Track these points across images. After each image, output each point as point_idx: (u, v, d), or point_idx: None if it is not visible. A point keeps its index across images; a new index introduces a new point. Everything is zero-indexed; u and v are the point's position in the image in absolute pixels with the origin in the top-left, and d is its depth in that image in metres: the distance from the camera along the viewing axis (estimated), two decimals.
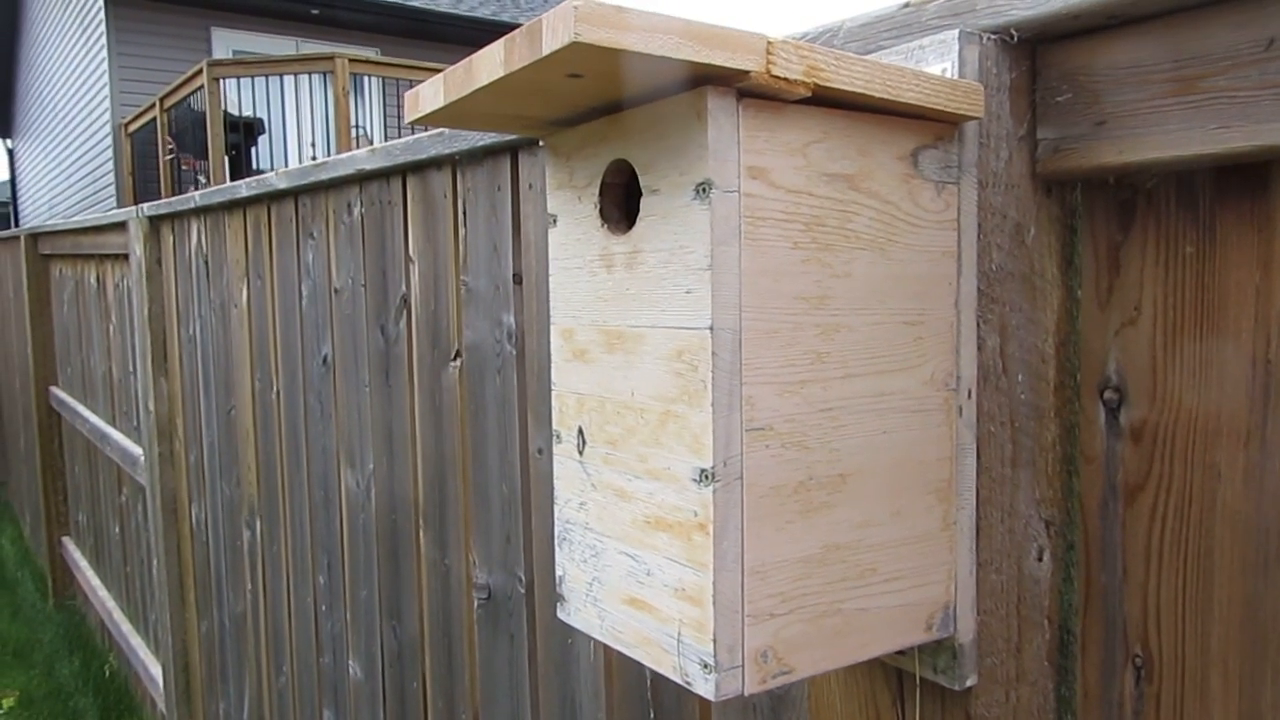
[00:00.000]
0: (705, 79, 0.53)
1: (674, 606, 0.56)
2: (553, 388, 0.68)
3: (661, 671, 0.57)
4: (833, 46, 0.77)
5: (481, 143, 1.23)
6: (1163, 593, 0.69)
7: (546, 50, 0.48)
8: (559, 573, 0.68)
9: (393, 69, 7.30)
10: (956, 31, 0.65)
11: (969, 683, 0.68)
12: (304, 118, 7.47)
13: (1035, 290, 0.71)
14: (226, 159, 6.75)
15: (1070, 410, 0.74)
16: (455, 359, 1.38)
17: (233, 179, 6.91)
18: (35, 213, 13.56)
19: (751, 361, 0.54)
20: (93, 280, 3.76)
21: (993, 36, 0.67)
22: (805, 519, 0.57)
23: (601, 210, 0.62)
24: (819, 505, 0.58)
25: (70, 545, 4.85)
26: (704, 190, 0.53)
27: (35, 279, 4.63)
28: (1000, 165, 0.69)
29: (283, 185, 1.80)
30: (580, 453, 0.65)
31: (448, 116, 0.63)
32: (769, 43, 0.52)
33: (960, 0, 0.68)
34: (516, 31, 0.51)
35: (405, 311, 1.51)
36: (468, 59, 0.56)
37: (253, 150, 7.38)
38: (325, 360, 1.80)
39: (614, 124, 0.60)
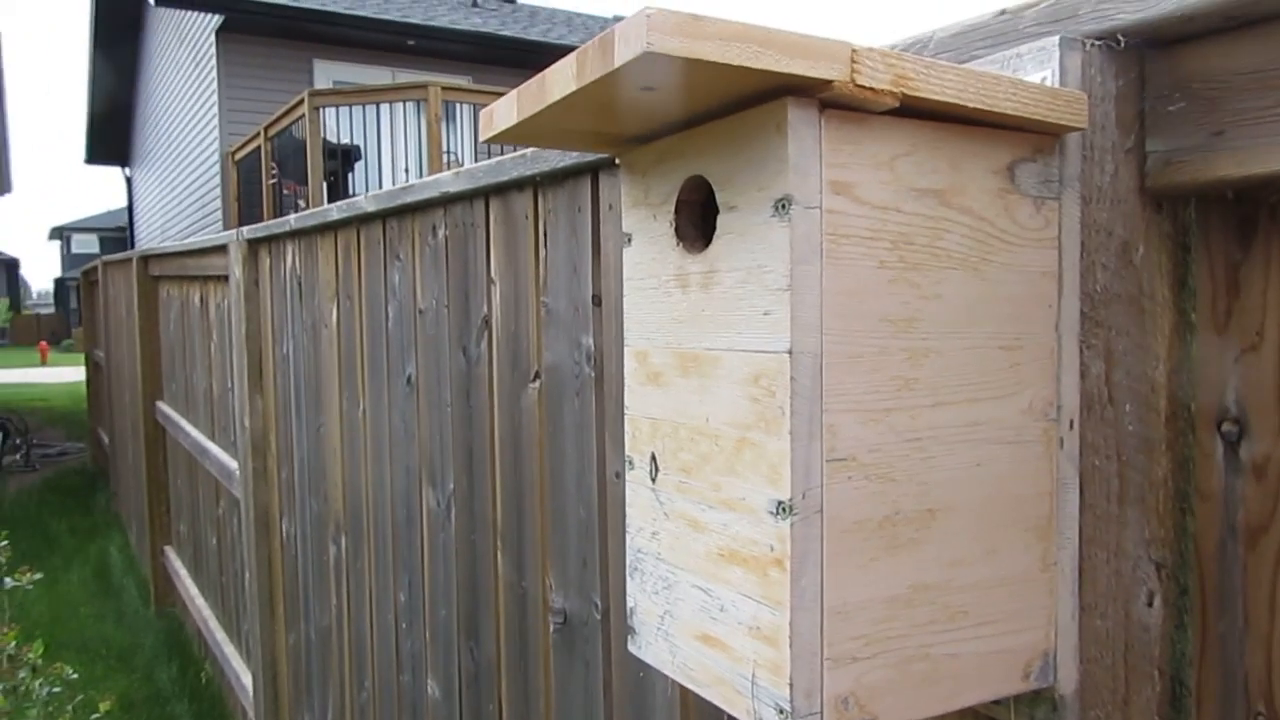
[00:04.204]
0: (786, 89, 0.50)
1: (749, 646, 0.53)
2: (625, 411, 0.66)
3: (735, 714, 0.54)
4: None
5: (562, 164, 1.22)
6: None
7: (619, 62, 0.46)
8: (630, 604, 0.66)
9: (484, 95, 7.46)
10: (1057, 38, 0.61)
11: None
12: (398, 144, 7.70)
13: (1144, 313, 0.66)
14: (325, 184, 6.99)
15: (1184, 443, 0.68)
16: (534, 380, 1.38)
17: (330, 203, 7.15)
18: (149, 236, 14.30)
19: (833, 387, 0.51)
20: (196, 300, 3.92)
21: (1097, 43, 0.63)
22: (891, 556, 0.53)
23: (677, 228, 0.60)
24: (906, 542, 0.54)
25: (171, 554, 5.04)
26: (784, 206, 0.50)
27: (145, 299, 4.86)
28: (1105, 179, 0.64)
29: (371, 208, 1.84)
30: (653, 480, 0.63)
31: (521, 134, 0.62)
32: (853, 51, 0.49)
33: (1061, 5, 0.64)
34: (589, 43, 0.49)
35: (487, 332, 1.51)
36: (541, 74, 0.55)
37: (349, 176, 7.63)
38: (409, 380, 1.82)
39: (690, 139, 0.58)
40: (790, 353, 0.50)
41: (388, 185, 8.05)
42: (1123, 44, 0.63)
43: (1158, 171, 0.65)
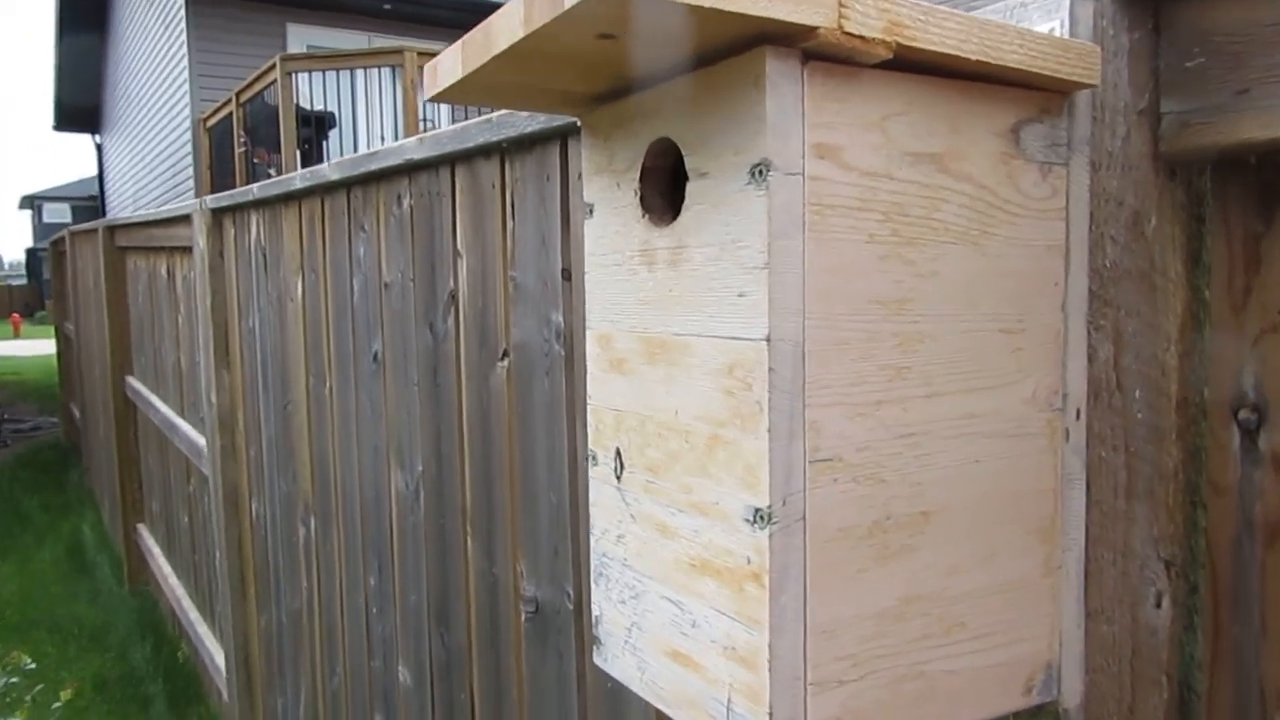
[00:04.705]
0: (763, 37, 0.44)
1: (723, 667, 0.47)
2: (588, 401, 0.60)
3: None
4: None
5: (529, 129, 1.15)
6: None
7: (570, 2, 0.40)
8: (595, 611, 0.60)
9: None
10: None
11: None
12: (374, 111, 7.54)
13: (1155, 290, 0.61)
14: (299, 152, 6.84)
15: (1195, 432, 0.63)
16: (503, 359, 1.31)
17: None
18: (121, 205, 14.03)
19: (817, 379, 0.45)
20: (163, 272, 3.81)
21: None
22: (881, 566, 0.48)
23: (642, 198, 0.53)
24: (898, 550, 0.48)
25: (144, 532, 4.96)
26: (761, 173, 0.44)
27: (112, 270, 4.74)
28: (1117, 144, 0.58)
29: (335, 176, 1.76)
30: (618, 478, 0.57)
31: (470, 91, 0.55)
32: None
33: None
34: None
35: (453, 308, 1.44)
36: (486, 20, 0.48)
37: (324, 144, 7.47)
38: (376, 357, 1.75)
39: (657, 96, 0.52)
40: (768, 340, 0.44)
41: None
42: None
43: (1173, 135, 0.59)
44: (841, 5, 0.43)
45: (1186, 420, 0.62)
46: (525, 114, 1.17)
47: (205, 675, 3.78)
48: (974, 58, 0.47)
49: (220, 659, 3.35)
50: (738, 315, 0.46)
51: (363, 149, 7.88)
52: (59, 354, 8.80)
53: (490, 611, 1.41)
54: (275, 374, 2.37)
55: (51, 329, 9.07)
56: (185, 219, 3.04)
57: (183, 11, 8.83)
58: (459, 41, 0.52)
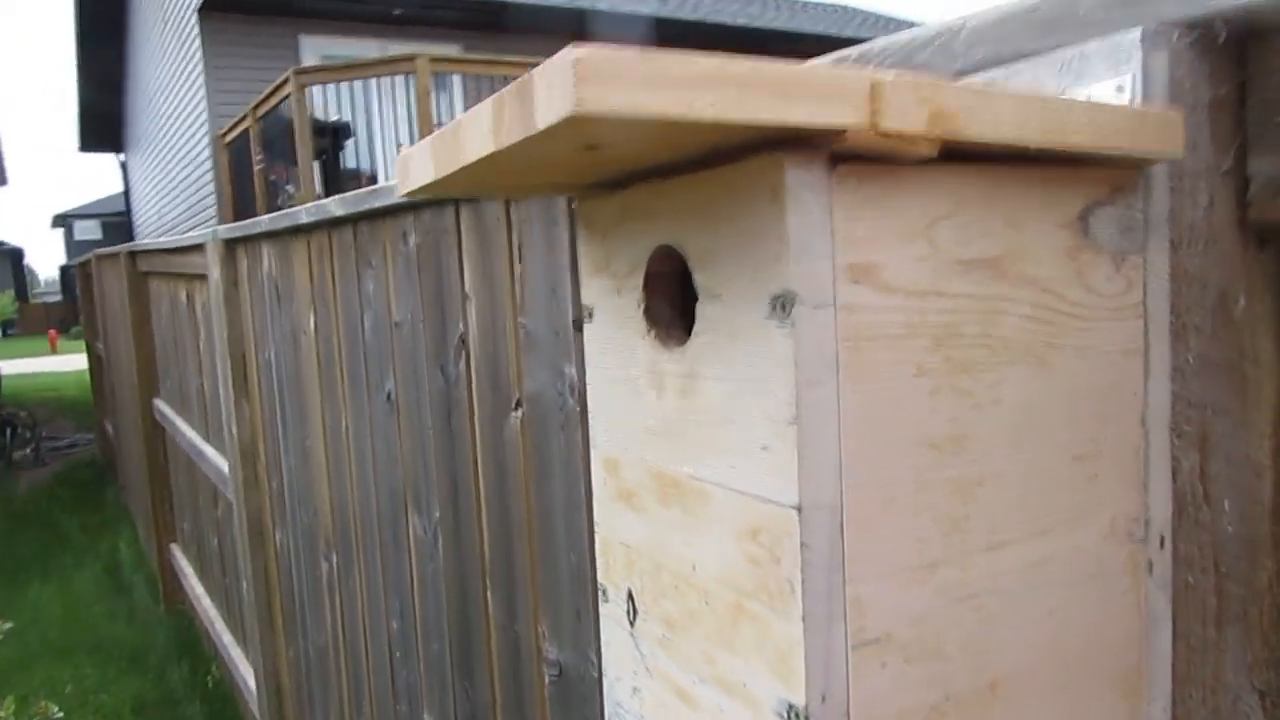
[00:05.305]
0: (780, 141, 0.36)
1: None
2: (595, 528, 0.52)
3: None
4: (952, 52, 0.59)
5: None
6: None
7: (541, 124, 0.32)
8: None
9: (474, 65, 7.25)
10: (1138, 32, 0.46)
11: None
12: (388, 119, 7.51)
13: (1246, 381, 0.52)
14: (317, 165, 6.82)
15: None
16: (516, 409, 1.24)
17: (323, 184, 6.97)
18: (146, 222, 14.15)
19: (858, 548, 0.38)
20: (184, 298, 3.79)
21: (1187, 36, 0.48)
22: None
23: (647, 309, 0.46)
24: None
25: (177, 552, 4.97)
26: (784, 306, 0.36)
27: (136, 295, 4.74)
28: (1199, 214, 0.50)
29: (339, 212, 1.70)
30: (631, 623, 0.49)
31: (447, 188, 0.48)
32: (874, 83, 0.35)
33: None
34: (506, 90, 0.35)
35: (464, 352, 1.38)
36: (456, 122, 0.41)
37: (340, 154, 7.46)
38: (389, 397, 1.69)
39: (660, 193, 0.44)
40: (800, 510, 0.36)
41: (380, 163, 7.88)
42: (1223, 36, 0.48)
43: (1265, 200, 0.50)
44: (875, 98, 0.35)
45: None
46: None
47: (240, 698, 3.76)
48: (1035, 145, 0.39)
49: (253, 683, 3.33)
50: (762, 470, 0.38)
51: (379, 158, 7.85)
52: (91, 371, 8.88)
53: (513, 668, 1.35)
54: (293, 408, 2.32)
55: (85, 343, 9.16)
56: (200, 248, 3.00)
57: (196, 29, 8.85)
58: (430, 140, 0.45)
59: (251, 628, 2.93)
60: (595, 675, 1.13)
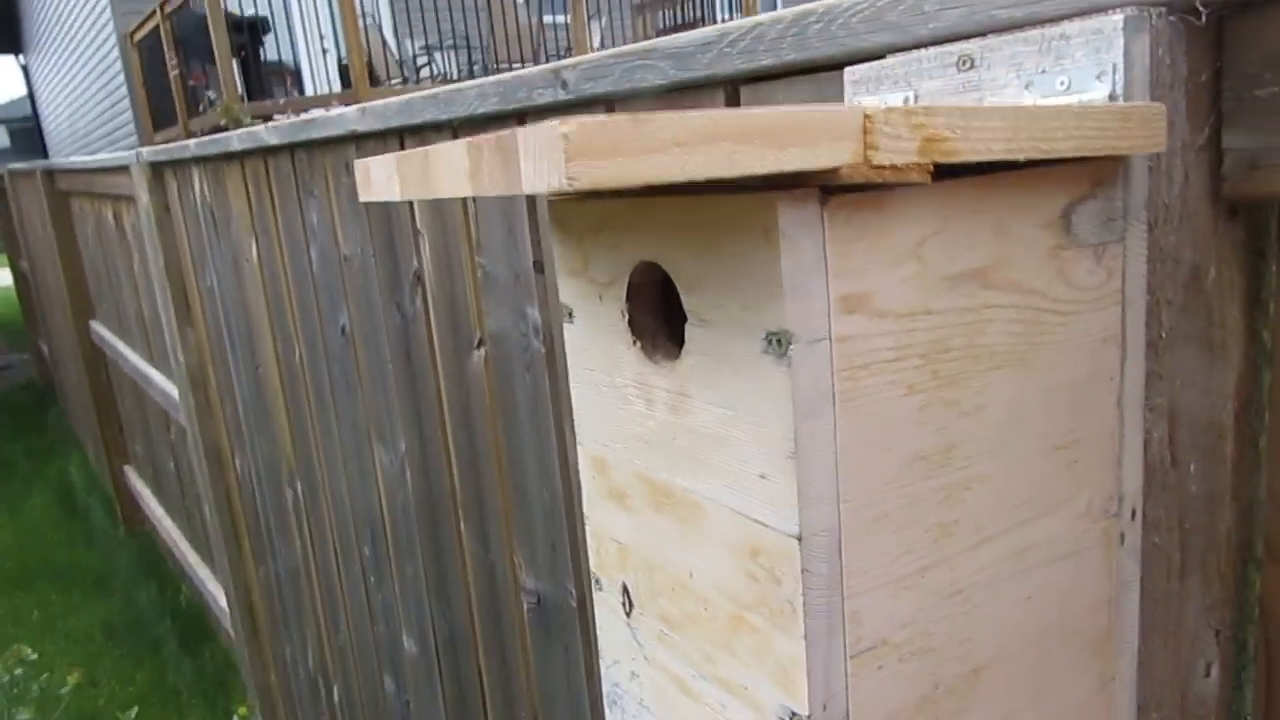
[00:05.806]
0: (773, 183, 0.35)
1: None
2: (585, 520, 0.53)
3: None
4: (923, 13, 0.57)
5: (481, 110, 1.04)
6: None
7: (528, 189, 0.31)
8: None
9: None
10: (1120, 17, 0.45)
11: None
12: (307, 8, 7.11)
13: (1213, 348, 0.54)
14: (236, 63, 6.47)
15: (1251, 487, 0.58)
16: (479, 347, 1.24)
17: (245, 85, 6.62)
18: (57, 128, 13.38)
19: (856, 565, 0.39)
20: (111, 218, 3.64)
21: (1168, 14, 0.47)
22: None
23: (632, 321, 0.46)
24: (946, 718, 0.43)
25: (132, 474, 4.92)
26: (780, 343, 0.36)
27: (58, 216, 4.53)
28: (1174, 191, 0.50)
29: (274, 141, 1.63)
30: (627, 614, 0.51)
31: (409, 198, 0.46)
32: (866, 117, 0.34)
33: None
34: (485, 142, 0.34)
35: (420, 289, 1.35)
36: (424, 150, 0.39)
37: (261, 51, 7.07)
38: (344, 330, 1.67)
39: (642, 210, 0.43)
40: (800, 539, 0.37)
41: (304, 55, 7.49)
42: (1204, 16, 0.47)
43: (1239, 176, 0.51)
44: (868, 133, 0.34)
45: (1241, 478, 0.57)
46: (474, 93, 1.06)
47: (210, 615, 3.81)
48: (1024, 158, 0.39)
49: (223, 600, 3.36)
50: (761, 498, 0.39)
51: (301, 51, 7.44)
52: (18, 290, 8.54)
53: (490, 597, 1.38)
54: (241, 336, 2.28)
55: (5, 256, 8.75)
56: (125, 169, 2.86)
57: None
58: (394, 160, 0.43)
59: (219, 549, 2.94)
60: (573, 605, 1.17)
